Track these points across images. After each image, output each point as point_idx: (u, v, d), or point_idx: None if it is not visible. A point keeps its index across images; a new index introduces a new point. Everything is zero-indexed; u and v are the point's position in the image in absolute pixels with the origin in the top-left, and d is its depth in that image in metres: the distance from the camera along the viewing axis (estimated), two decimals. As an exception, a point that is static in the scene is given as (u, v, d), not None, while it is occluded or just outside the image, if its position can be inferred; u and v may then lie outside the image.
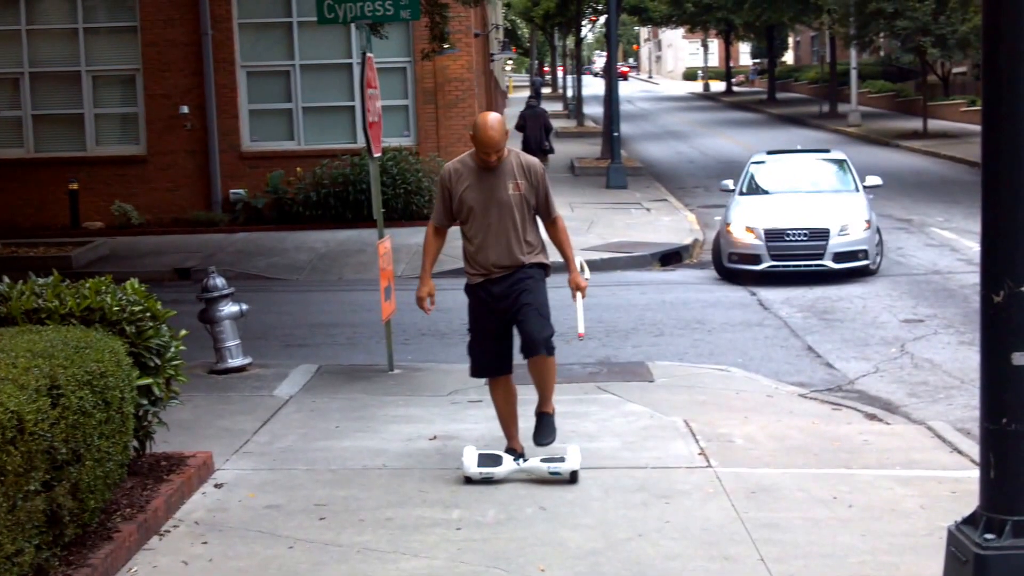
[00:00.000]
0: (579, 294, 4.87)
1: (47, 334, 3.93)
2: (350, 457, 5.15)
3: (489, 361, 4.84)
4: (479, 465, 4.72)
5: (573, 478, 4.72)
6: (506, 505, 4.47)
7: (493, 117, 4.69)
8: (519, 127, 17.59)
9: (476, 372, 4.93)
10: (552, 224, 4.87)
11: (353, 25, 7.35)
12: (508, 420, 4.95)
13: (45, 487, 3.48)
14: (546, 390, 4.81)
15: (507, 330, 4.83)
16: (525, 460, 4.82)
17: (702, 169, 21.77)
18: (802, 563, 3.90)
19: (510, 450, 4.89)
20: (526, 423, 5.11)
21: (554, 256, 4.94)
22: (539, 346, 4.67)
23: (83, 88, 14.97)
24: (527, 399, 5.06)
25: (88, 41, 14.99)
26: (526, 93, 24.74)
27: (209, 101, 14.75)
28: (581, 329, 4.89)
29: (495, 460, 4.78)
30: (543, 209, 4.82)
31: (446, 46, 12.47)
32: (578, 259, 4.99)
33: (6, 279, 4.68)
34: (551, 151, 17.96)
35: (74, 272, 10.22)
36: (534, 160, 4.82)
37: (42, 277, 4.72)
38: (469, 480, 4.70)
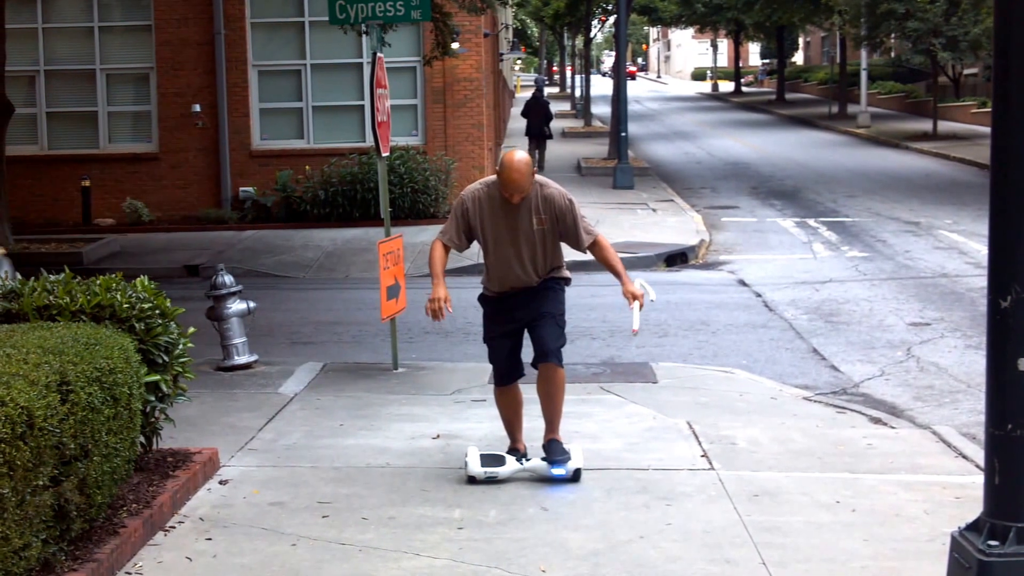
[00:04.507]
0: (636, 301, 4.70)
1: (58, 330, 3.96)
2: (354, 455, 5.17)
3: (508, 369, 4.84)
4: (483, 465, 4.74)
5: (576, 477, 4.74)
6: (508, 505, 4.49)
7: (520, 159, 4.58)
8: (524, 114, 20.70)
9: (499, 381, 4.91)
10: (593, 247, 4.75)
11: (364, 26, 7.36)
12: (513, 423, 4.97)
13: (53, 482, 3.51)
14: (554, 411, 4.80)
15: (520, 337, 4.84)
16: (528, 460, 4.84)
17: (709, 170, 21.74)
18: (804, 567, 3.90)
19: (513, 450, 4.91)
20: (530, 423, 5.13)
21: (570, 255, 4.90)
22: (550, 355, 4.70)
23: (97, 86, 15.05)
24: (532, 398, 5.08)
25: (103, 40, 15.07)
26: (531, 92, 25.40)
27: (221, 100, 14.81)
28: (636, 326, 4.76)
29: (498, 460, 4.80)
30: (574, 239, 4.71)
31: (455, 46, 12.49)
32: (639, 280, 4.82)
33: (18, 275, 4.71)
34: (549, 136, 20.64)
35: (85, 268, 10.31)
36: (556, 193, 4.71)
37: (54, 273, 4.76)
38: (472, 480, 4.72)
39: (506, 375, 4.86)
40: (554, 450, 4.76)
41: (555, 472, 4.73)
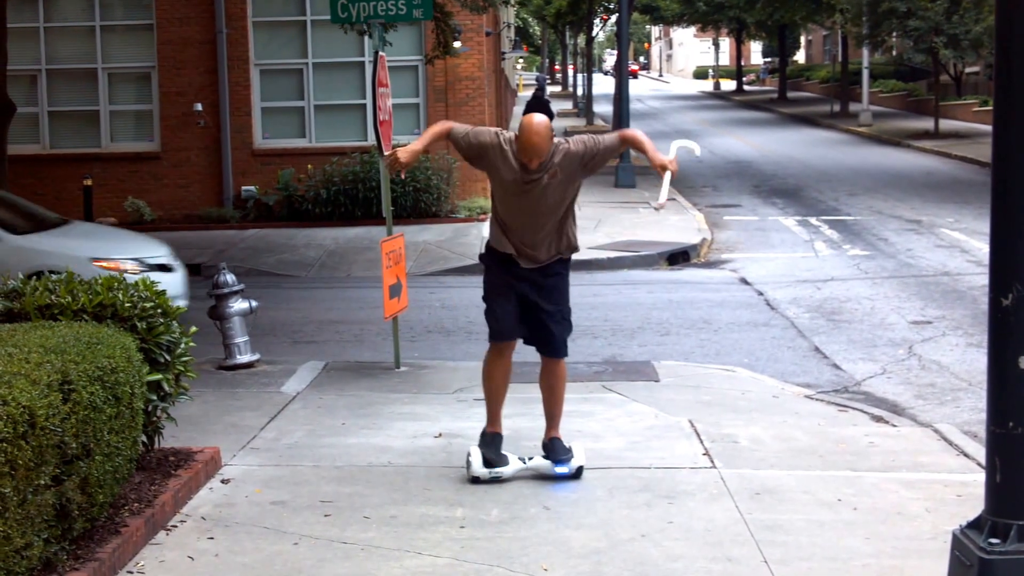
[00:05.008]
0: (667, 172, 4.60)
1: (60, 330, 3.97)
2: (356, 454, 5.18)
3: (509, 327, 4.70)
4: (485, 465, 4.75)
5: (578, 474, 4.75)
6: (510, 504, 4.50)
7: (539, 121, 4.51)
8: (526, 113, 20.60)
9: (496, 336, 4.76)
10: (624, 142, 4.69)
11: (365, 25, 7.37)
12: (496, 398, 4.82)
13: (55, 481, 3.52)
14: (555, 405, 4.81)
15: (518, 306, 4.73)
16: (531, 459, 4.85)
17: (711, 168, 21.75)
18: (806, 565, 3.91)
19: (492, 434, 4.80)
20: (532, 422, 5.13)
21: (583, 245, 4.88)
22: (556, 349, 4.72)
23: (99, 85, 15.07)
24: (534, 397, 5.08)
25: (105, 39, 15.10)
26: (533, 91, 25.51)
27: (223, 99, 14.83)
28: (662, 200, 4.71)
29: (501, 460, 4.80)
30: (608, 154, 4.63)
31: (457, 44, 12.51)
32: (675, 143, 4.72)
33: (20, 274, 4.73)
34: None
35: (86, 267, 10.29)
36: (568, 148, 4.63)
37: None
38: (476, 480, 4.73)
39: (504, 332, 4.70)
40: (556, 448, 4.78)
41: (558, 470, 4.74)
